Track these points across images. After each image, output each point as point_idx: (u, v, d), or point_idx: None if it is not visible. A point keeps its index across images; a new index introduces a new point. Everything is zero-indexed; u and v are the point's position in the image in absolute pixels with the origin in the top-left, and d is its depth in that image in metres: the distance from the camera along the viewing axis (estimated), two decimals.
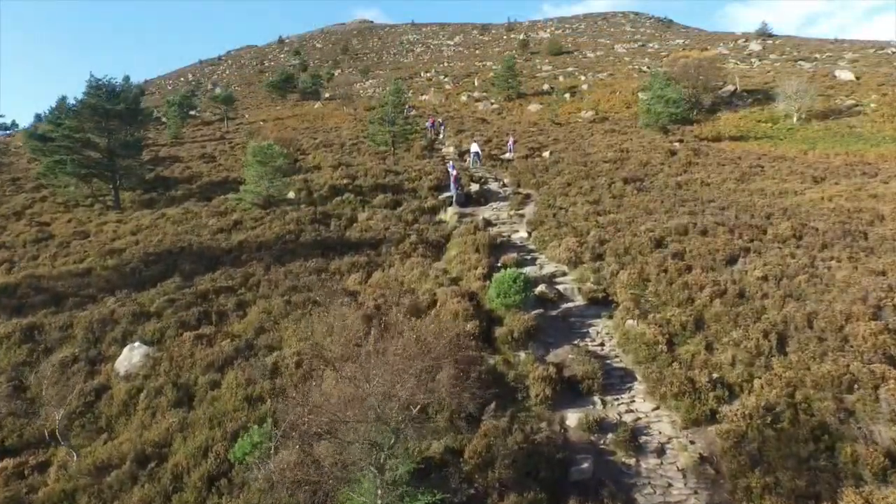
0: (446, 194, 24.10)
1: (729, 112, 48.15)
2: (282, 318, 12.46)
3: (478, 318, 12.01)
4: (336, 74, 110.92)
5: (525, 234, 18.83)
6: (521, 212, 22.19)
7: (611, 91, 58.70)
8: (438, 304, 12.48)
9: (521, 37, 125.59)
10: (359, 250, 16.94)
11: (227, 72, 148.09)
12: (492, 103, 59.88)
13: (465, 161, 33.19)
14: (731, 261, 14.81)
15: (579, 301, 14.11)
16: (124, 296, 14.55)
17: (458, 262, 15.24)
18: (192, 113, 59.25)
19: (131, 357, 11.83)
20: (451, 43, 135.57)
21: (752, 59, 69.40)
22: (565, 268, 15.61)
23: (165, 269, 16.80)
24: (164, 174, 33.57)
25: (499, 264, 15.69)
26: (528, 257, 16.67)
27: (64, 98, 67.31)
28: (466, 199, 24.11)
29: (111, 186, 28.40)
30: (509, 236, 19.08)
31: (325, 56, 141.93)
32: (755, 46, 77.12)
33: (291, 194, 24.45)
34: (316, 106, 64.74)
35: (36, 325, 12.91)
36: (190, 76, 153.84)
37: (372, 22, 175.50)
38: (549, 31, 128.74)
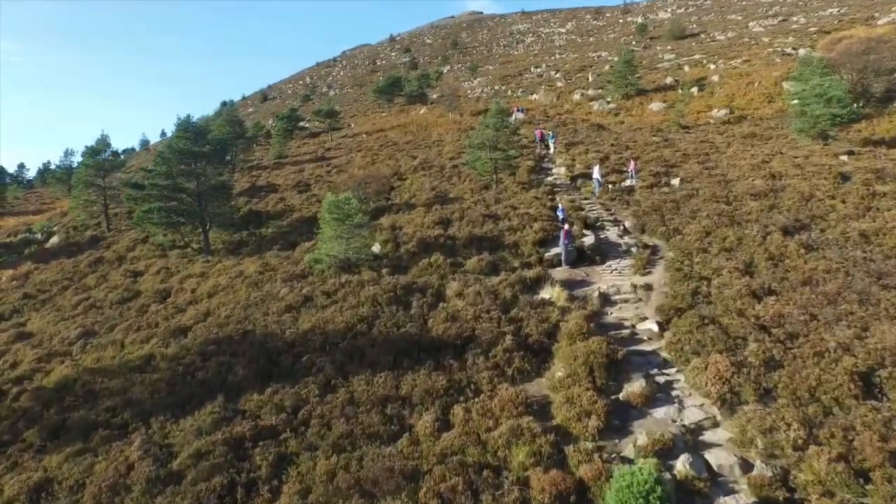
0: (554, 251, 19.73)
1: None
2: None
3: None
4: (444, 72, 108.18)
5: (654, 327, 14.12)
6: (647, 279, 17.36)
7: (747, 82, 50.30)
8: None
9: (639, 20, 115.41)
10: (439, 357, 13.22)
11: (342, 73, 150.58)
12: (608, 102, 53.70)
13: (579, 187, 28.45)
14: None
15: (744, 496, 8.89)
16: (157, 428, 12.02)
17: (564, 398, 10.98)
18: (301, 124, 58.75)
19: None
20: (563, 31, 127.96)
21: None
22: (716, 411, 10.70)
23: (219, 370, 14.18)
24: (259, 207, 32.06)
25: (620, 397, 11.31)
26: (661, 380, 12.00)
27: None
28: (578, 256, 19.62)
29: (200, 231, 27.07)
30: (633, 328, 14.42)
31: (435, 52, 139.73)
32: None
33: (377, 247, 21.31)
34: (422, 111, 62.01)
35: (47, 480, 10.65)
36: (308, 79, 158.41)
37: (481, 13, 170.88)
38: (670, 9, 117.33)
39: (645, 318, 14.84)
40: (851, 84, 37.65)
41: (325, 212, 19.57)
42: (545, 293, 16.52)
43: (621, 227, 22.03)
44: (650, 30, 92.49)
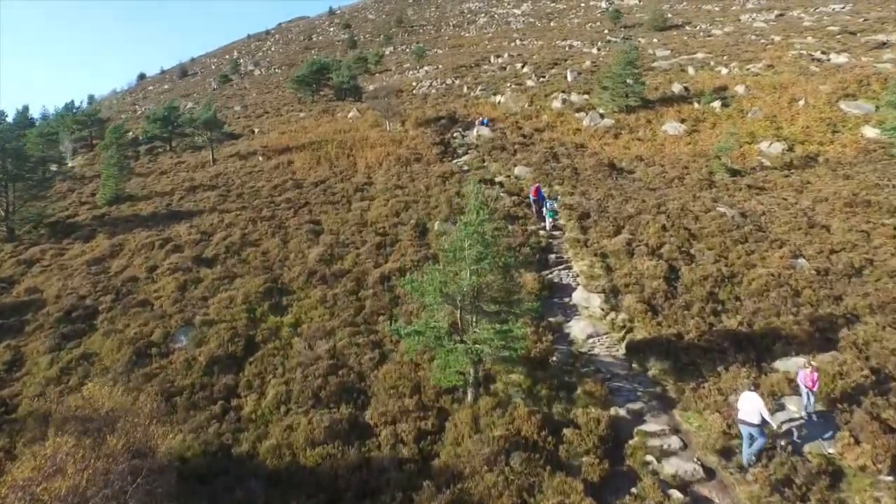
0: None
1: None
2: None
3: None
4: (386, 54, 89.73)
5: None
6: None
7: (788, 98, 35.70)
8: None
9: (603, 4, 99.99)
10: None
11: (273, 48, 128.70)
12: (601, 115, 38.08)
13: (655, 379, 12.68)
14: None
15: None
16: None
17: None
18: (192, 130, 39.47)
19: None
20: (519, 12, 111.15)
21: None
22: None
23: None
24: None
25: None
26: None
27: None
28: None
29: None
30: None
31: (378, 29, 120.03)
32: None
33: None
34: (350, 114, 44.47)
35: None
36: (235, 53, 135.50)
37: None
38: None
39: None
40: None
41: None
42: None
43: None
44: (623, 17, 77.15)
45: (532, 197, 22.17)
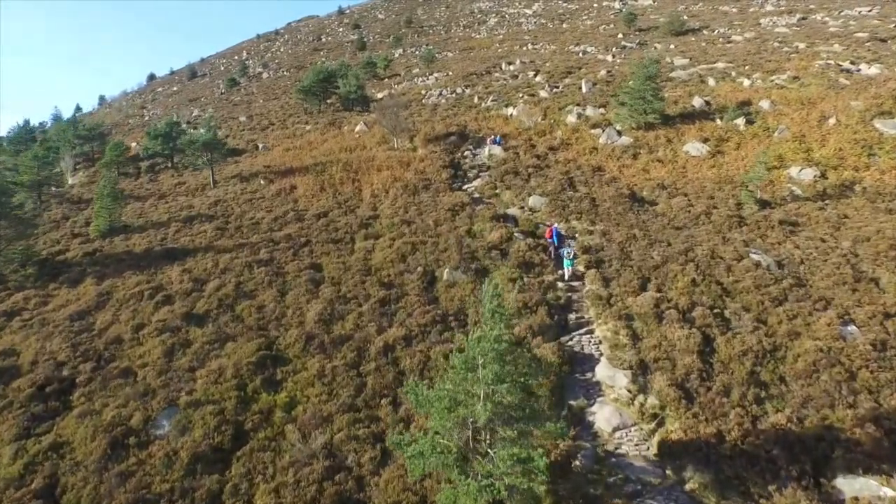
0: None
1: None
2: None
3: None
4: (396, 56, 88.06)
5: None
6: None
7: (817, 116, 33.59)
8: None
9: (617, 4, 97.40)
10: None
11: (282, 49, 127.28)
12: (618, 132, 36.20)
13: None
14: None
15: None
16: None
17: None
18: (192, 152, 37.54)
19: None
20: (530, 12, 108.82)
21: None
22: None
23: None
24: None
25: None
26: None
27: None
28: None
29: None
30: None
31: (387, 29, 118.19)
32: None
33: None
34: (357, 128, 42.87)
35: None
36: (245, 54, 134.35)
37: None
38: None
39: None
40: None
41: None
42: None
43: None
44: (638, 20, 74.73)
45: (547, 238, 20.56)
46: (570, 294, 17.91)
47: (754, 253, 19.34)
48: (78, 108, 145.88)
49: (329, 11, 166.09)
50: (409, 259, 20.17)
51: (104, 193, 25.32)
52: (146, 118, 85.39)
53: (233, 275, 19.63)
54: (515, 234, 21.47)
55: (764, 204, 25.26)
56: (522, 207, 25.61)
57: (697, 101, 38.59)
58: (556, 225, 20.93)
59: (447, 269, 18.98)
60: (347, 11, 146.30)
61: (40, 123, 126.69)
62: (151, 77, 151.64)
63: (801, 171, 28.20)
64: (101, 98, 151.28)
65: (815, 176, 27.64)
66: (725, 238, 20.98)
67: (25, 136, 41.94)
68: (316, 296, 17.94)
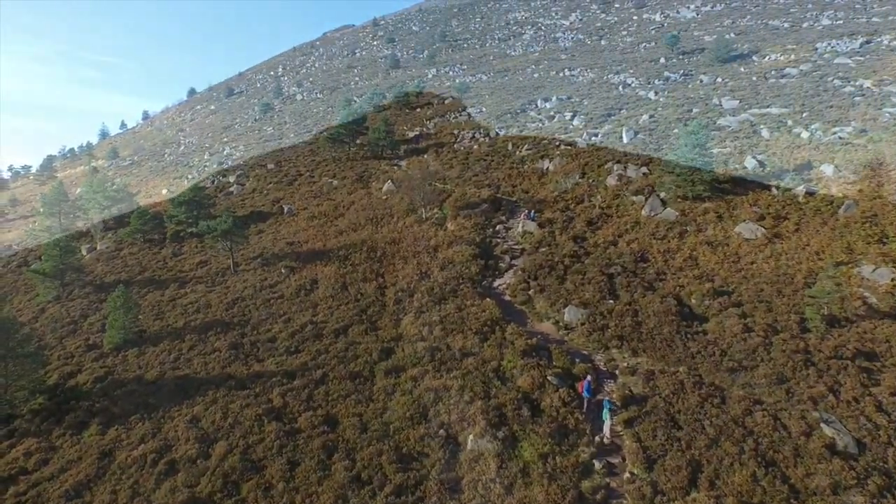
0: None
1: None
2: None
3: None
4: (429, 77, 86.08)
5: None
6: None
7: (894, 185, 29.98)
8: None
9: (657, 17, 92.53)
10: None
11: (317, 64, 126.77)
12: (662, 202, 33.26)
13: None
14: None
15: None
16: None
17: None
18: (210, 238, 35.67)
19: None
20: (567, 23, 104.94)
21: None
22: None
23: None
24: None
25: None
26: None
27: None
28: None
29: None
30: None
31: (421, 43, 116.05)
32: None
33: None
34: (384, 189, 41.02)
35: None
36: (280, 69, 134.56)
37: None
38: (693, 6, 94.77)
39: None
40: None
41: None
42: None
43: None
44: (681, 42, 70.41)
45: (582, 390, 18.31)
46: (608, 480, 15.57)
47: (827, 423, 16.57)
48: (123, 125, 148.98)
49: (364, 21, 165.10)
50: (432, 413, 18.19)
51: (116, 305, 24.20)
52: (181, 148, 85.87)
53: (241, 432, 18.05)
54: (549, 378, 19.18)
55: (832, 322, 22.21)
56: (557, 322, 23.25)
57: (750, 163, 35.17)
58: (588, 378, 18.58)
59: (472, 437, 16.93)
60: (382, 23, 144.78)
61: (87, 143, 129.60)
62: (192, 92, 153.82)
63: (874, 270, 24.87)
64: (146, 113, 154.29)
65: (892, 278, 24.29)
66: (790, 392, 18.21)
67: (59, 197, 41.76)
68: (328, 473, 16.15)
